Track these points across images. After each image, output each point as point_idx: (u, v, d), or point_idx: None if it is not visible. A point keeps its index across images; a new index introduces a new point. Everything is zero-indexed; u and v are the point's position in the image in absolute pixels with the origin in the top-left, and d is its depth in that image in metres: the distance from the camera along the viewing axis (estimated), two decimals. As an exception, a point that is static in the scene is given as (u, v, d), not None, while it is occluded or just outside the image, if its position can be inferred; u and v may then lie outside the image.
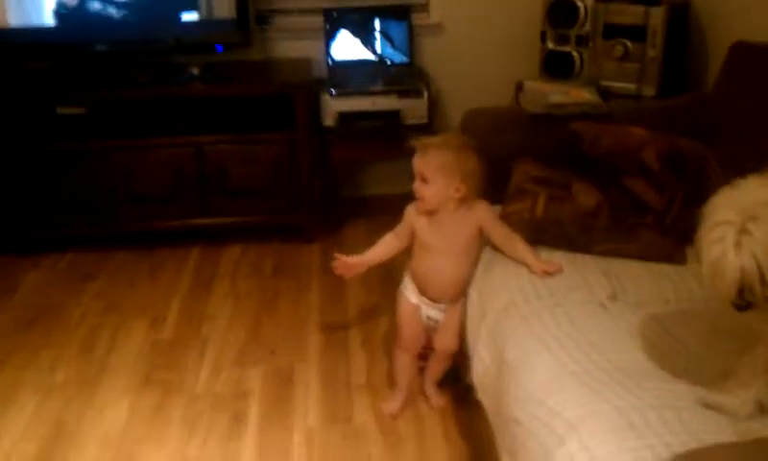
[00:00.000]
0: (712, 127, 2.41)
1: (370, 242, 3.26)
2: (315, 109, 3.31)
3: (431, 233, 2.20)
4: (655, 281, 1.95)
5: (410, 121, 3.34)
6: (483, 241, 2.21)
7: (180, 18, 3.24)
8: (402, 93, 3.33)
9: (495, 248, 2.16)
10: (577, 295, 1.89)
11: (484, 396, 1.93)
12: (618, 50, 3.09)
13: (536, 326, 1.80)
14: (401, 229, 2.29)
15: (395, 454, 2.15)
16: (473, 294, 2.14)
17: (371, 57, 3.51)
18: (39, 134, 3.17)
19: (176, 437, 2.23)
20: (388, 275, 3.08)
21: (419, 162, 2.14)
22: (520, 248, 2.07)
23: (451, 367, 2.36)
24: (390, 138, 3.40)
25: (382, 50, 3.51)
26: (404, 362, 2.35)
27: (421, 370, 2.40)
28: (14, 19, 3.20)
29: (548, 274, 1.99)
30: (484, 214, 2.16)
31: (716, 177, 2.13)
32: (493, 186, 2.31)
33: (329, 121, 3.34)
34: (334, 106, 3.32)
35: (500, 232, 2.13)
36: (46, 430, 2.26)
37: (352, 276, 2.41)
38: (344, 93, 3.33)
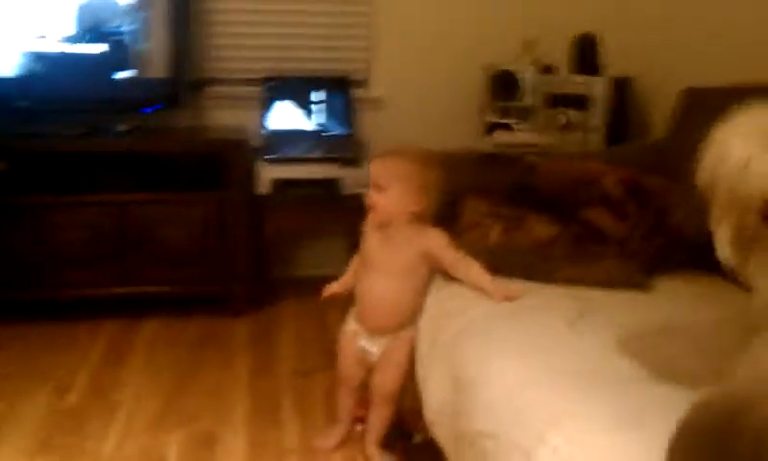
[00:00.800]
0: (667, 168, 2.31)
1: (299, 322, 3.06)
2: (248, 177, 3.13)
3: (376, 248, 2.02)
4: (626, 303, 1.78)
5: (349, 190, 3.19)
6: (431, 272, 2.03)
7: (111, 76, 3.07)
8: (342, 162, 3.19)
9: (449, 277, 1.97)
10: (541, 314, 1.70)
11: (439, 429, 1.69)
12: (561, 119, 3.04)
13: (496, 342, 1.59)
14: (362, 251, 2.13)
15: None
16: (424, 322, 1.93)
17: (308, 127, 3.38)
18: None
19: (73, 503, 1.88)
20: (322, 341, 2.85)
21: (376, 168, 2.01)
22: (475, 272, 1.88)
23: (399, 424, 2.10)
24: (327, 206, 3.24)
25: (321, 121, 3.39)
26: (342, 395, 2.15)
27: (362, 431, 2.14)
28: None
29: (509, 299, 1.80)
30: (434, 239, 1.99)
31: (681, 208, 2.01)
32: (442, 226, 2.17)
33: (263, 188, 3.16)
34: (269, 172, 3.15)
35: (451, 256, 1.95)
36: None
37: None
38: (279, 160, 3.17)
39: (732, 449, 0.82)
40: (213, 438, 2.19)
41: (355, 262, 2.18)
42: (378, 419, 2.06)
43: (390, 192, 1.98)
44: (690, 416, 0.88)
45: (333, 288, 2.19)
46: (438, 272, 2.03)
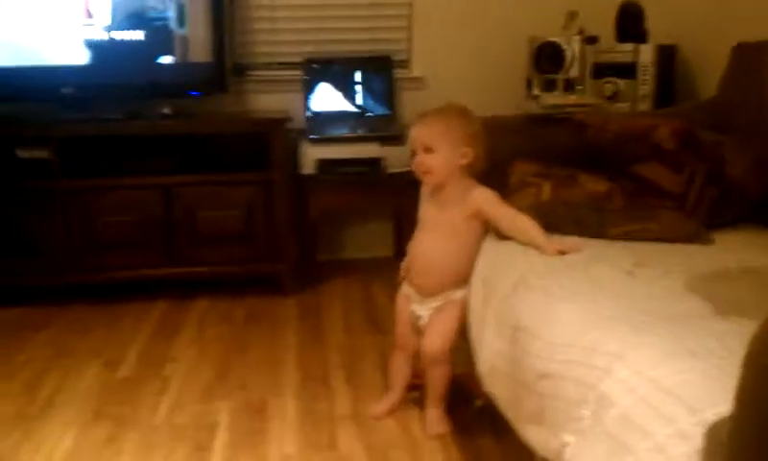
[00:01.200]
0: (720, 125, 2.25)
1: (347, 301, 3.05)
2: (292, 157, 3.14)
3: (430, 211, 2.00)
4: (684, 254, 1.72)
5: (392, 169, 3.17)
6: (482, 234, 2.00)
7: (155, 61, 3.09)
8: (384, 140, 3.18)
9: (501, 236, 1.93)
10: (599, 265, 1.65)
11: (494, 384, 1.65)
12: (609, 89, 2.98)
13: (554, 291, 1.55)
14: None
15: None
16: (474, 280, 1.89)
17: (351, 108, 3.37)
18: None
19: (127, 466, 1.89)
20: (371, 318, 2.84)
21: (420, 132, 1.99)
22: (527, 226, 1.84)
23: (459, 390, 2.07)
24: (371, 186, 3.22)
25: (363, 102, 3.38)
26: (396, 360, 2.13)
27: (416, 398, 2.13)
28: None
29: (562, 253, 1.75)
30: (483, 198, 1.96)
31: (735, 157, 1.95)
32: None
33: (308, 169, 3.16)
34: (313, 153, 3.15)
35: (502, 213, 1.91)
36: (-27, 463, 1.91)
37: None
38: (323, 140, 3.17)
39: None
40: (264, 406, 2.18)
41: None
42: (431, 382, 2.02)
43: (439, 151, 1.96)
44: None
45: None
46: (489, 232, 2.00)
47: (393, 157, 3.16)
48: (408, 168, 3.20)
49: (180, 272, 3.02)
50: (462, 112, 2.00)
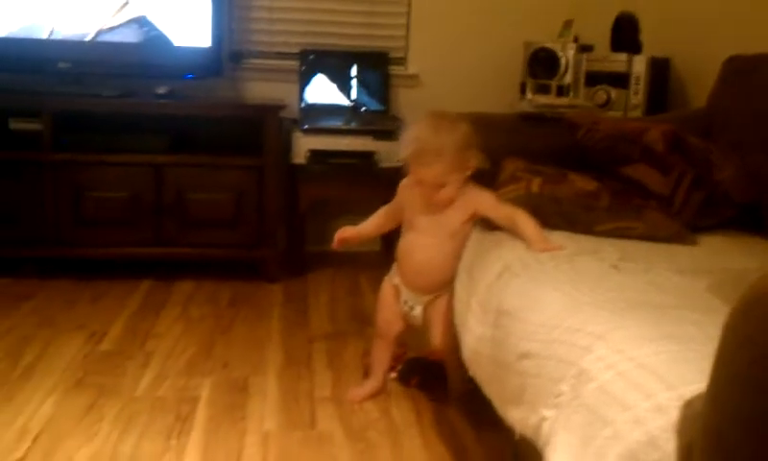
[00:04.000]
0: (709, 134, 2.30)
1: (333, 291, 3.06)
2: (285, 146, 3.16)
3: (421, 211, 2.02)
4: (669, 253, 1.76)
5: (384, 164, 3.19)
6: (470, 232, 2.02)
7: (152, 41, 3.11)
8: (377, 134, 3.20)
9: (487, 227, 1.96)
10: (584, 258, 1.68)
11: (477, 367, 1.67)
12: (601, 96, 3.02)
13: (539, 278, 1.58)
14: (393, 206, 2.15)
15: (366, 458, 1.83)
16: (462, 273, 1.92)
17: (345, 102, 3.40)
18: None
19: (106, 434, 1.89)
20: (356, 308, 2.86)
21: (425, 174, 1.95)
22: (527, 226, 1.84)
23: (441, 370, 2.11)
24: (362, 179, 3.24)
25: (357, 96, 3.41)
26: (378, 348, 2.16)
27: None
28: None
29: (547, 250, 1.78)
30: (483, 200, 1.98)
31: (722, 164, 1.99)
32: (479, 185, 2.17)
33: (300, 159, 3.18)
34: (305, 143, 3.17)
35: (502, 211, 1.92)
36: (-49, 422, 1.91)
37: (341, 248, 2.21)
38: (316, 130, 3.19)
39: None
40: (246, 384, 2.19)
41: (381, 215, 2.19)
42: (452, 373, 2.03)
43: (452, 184, 1.95)
44: (757, 284, 0.87)
45: (347, 232, 2.19)
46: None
47: (385, 152, 3.18)
48: (400, 164, 3.27)
49: (167, 252, 3.03)
50: (457, 129, 1.97)
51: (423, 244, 2.04)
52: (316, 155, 3.17)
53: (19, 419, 1.94)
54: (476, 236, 1.99)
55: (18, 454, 1.77)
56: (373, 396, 2.14)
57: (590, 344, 1.21)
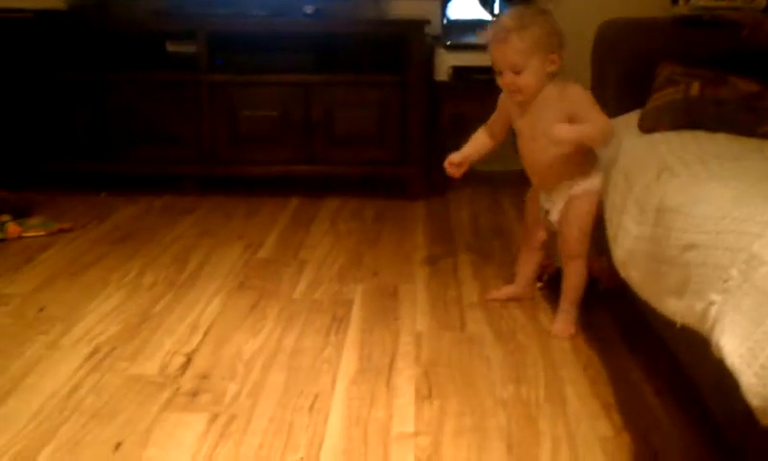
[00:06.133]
0: None
1: (475, 208, 3.09)
2: (428, 63, 3.17)
3: (520, 118, 2.00)
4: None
5: (527, 79, 3.14)
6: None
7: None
8: (521, 49, 3.15)
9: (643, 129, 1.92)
10: (749, 156, 1.63)
11: (631, 268, 1.66)
12: (760, 2, 2.84)
13: (702, 176, 1.54)
14: (494, 121, 2.12)
15: (516, 358, 1.87)
16: (616, 176, 1.89)
17: (488, 17, 3.35)
18: (148, 67, 3.12)
19: (270, 329, 2.02)
20: (499, 225, 2.87)
21: (504, 53, 1.87)
22: (609, 135, 1.88)
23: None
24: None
25: (501, 10, 3.35)
26: (523, 255, 2.19)
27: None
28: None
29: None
30: (579, 97, 1.91)
31: None
32: (635, 94, 2.12)
33: (442, 76, 3.19)
34: (448, 59, 3.18)
35: (595, 118, 1.87)
36: (131, 317, 2.08)
37: (460, 175, 2.18)
38: (458, 47, 3.18)
39: None
40: (396, 291, 2.27)
41: (481, 134, 2.16)
42: (568, 280, 2.02)
43: (528, 69, 1.87)
44: None
45: (454, 158, 2.13)
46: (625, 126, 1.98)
47: (528, 68, 3.13)
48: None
49: (314, 169, 3.13)
50: (541, 17, 1.89)
51: (530, 149, 2.02)
52: (458, 71, 3.17)
53: (190, 316, 2.09)
54: (631, 141, 1.95)
55: (192, 345, 1.92)
56: (513, 299, 2.16)
57: (762, 231, 1.18)
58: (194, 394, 1.69)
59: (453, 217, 2.97)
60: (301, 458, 1.46)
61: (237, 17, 3.09)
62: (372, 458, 1.46)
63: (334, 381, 1.75)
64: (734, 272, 1.14)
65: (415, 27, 3.03)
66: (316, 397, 1.68)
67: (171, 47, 3.16)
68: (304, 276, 2.38)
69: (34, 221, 2.80)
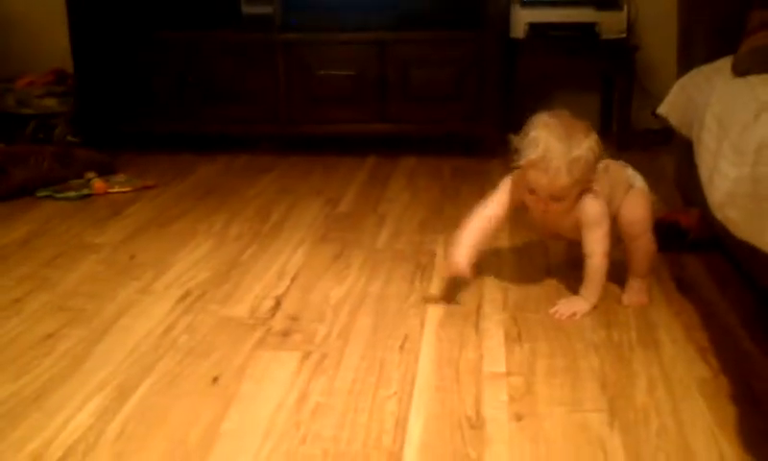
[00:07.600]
0: None
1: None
2: (504, 19, 3.13)
3: (535, 214, 1.90)
4: None
5: (607, 35, 3.10)
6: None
7: None
8: (600, 4, 3.10)
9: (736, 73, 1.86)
10: None
11: (731, 211, 1.61)
12: None
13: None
14: (500, 205, 1.95)
15: (606, 304, 1.83)
16: (710, 122, 1.84)
17: (564, -27, 3.29)
18: (223, 28, 3.17)
19: (355, 277, 2.04)
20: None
21: (548, 184, 1.73)
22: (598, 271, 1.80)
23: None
24: (582, 53, 3.17)
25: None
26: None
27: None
28: None
29: None
30: (588, 213, 1.78)
31: None
32: (724, 42, 2.07)
33: (519, 33, 3.15)
34: (524, 16, 3.14)
35: (594, 235, 1.78)
36: (219, 264, 2.13)
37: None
38: (535, 3, 3.14)
39: None
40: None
41: (480, 221, 1.92)
42: (634, 255, 1.89)
43: (568, 198, 1.77)
44: None
45: (460, 259, 1.83)
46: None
47: (608, 23, 3.09)
48: (623, 35, 3.15)
49: (390, 128, 3.14)
50: (587, 142, 1.72)
51: (543, 220, 1.90)
52: (535, 28, 3.13)
53: (276, 264, 2.13)
54: (724, 86, 1.90)
55: (281, 290, 1.95)
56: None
57: None
58: (285, 334, 1.72)
59: (531, 175, 2.94)
60: (395, 392, 1.47)
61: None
62: (466, 396, 1.46)
63: (422, 324, 1.75)
64: None
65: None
66: (405, 338, 1.69)
67: (246, 8, 3.20)
68: (385, 228, 2.39)
69: (119, 178, 2.88)
